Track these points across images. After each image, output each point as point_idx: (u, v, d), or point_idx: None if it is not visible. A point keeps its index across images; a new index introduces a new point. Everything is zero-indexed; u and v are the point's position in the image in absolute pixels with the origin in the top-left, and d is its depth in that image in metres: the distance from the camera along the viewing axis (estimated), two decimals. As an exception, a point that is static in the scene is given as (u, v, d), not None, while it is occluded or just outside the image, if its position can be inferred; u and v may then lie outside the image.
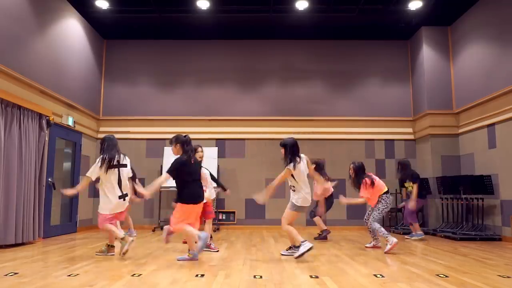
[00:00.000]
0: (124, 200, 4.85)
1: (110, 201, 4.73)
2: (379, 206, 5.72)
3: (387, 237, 5.38)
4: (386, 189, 5.76)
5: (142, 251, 5.30)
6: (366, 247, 5.85)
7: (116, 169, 4.79)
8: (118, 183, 4.78)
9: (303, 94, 9.35)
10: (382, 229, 5.53)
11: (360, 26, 8.88)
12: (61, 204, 7.66)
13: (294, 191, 4.83)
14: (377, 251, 5.52)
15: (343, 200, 5.96)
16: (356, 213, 8.90)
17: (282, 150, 4.85)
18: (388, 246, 5.31)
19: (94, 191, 8.79)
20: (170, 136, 8.87)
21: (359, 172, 5.84)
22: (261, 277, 3.71)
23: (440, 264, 4.46)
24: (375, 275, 3.79)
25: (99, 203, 4.83)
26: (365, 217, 5.99)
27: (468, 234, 6.93)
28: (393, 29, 8.87)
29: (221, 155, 8.87)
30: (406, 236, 7.10)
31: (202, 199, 4.65)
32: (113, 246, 4.95)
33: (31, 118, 6.21)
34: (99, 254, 4.90)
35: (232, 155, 9.03)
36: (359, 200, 5.87)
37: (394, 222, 8.73)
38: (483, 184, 6.95)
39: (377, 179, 5.82)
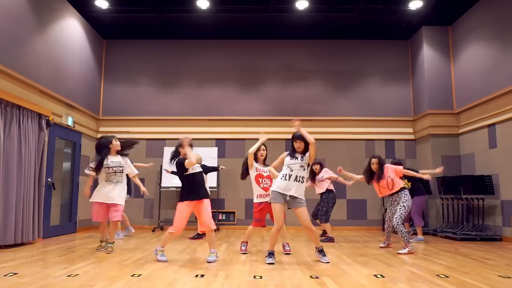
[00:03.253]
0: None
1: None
2: (405, 203, 5.47)
3: (408, 243, 5.25)
4: (404, 185, 5.63)
5: (142, 251, 5.29)
6: (381, 247, 5.78)
7: None
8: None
9: (303, 94, 9.33)
10: (406, 233, 5.35)
11: (360, 26, 8.87)
12: (61, 204, 7.65)
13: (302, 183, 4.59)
14: (379, 251, 5.50)
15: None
16: (357, 213, 8.90)
17: (303, 143, 4.55)
18: (405, 250, 5.22)
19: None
20: (170, 136, 9.03)
21: (383, 164, 5.68)
22: (261, 277, 3.70)
23: (441, 264, 4.45)
24: (376, 276, 3.78)
25: (120, 194, 5.22)
26: (390, 220, 5.70)
27: (468, 234, 6.91)
28: (393, 29, 8.85)
29: (221, 155, 8.86)
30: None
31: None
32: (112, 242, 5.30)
33: (31, 118, 6.20)
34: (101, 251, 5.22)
35: (232, 155, 9.01)
36: (357, 177, 6.03)
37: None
38: (484, 184, 6.94)
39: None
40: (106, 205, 5.19)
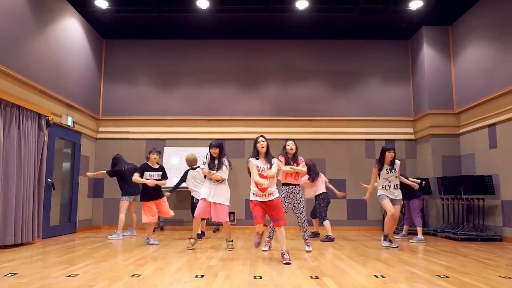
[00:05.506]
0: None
1: None
2: (302, 201, 5.62)
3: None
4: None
5: (142, 251, 5.29)
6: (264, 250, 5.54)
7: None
8: None
9: (303, 94, 9.33)
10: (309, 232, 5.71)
11: (360, 26, 8.87)
12: (61, 204, 7.64)
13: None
14: (379, 251, 5.50)
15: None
16: (357, 214, 8.89)
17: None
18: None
19: (94, 191, 8.78)
20: (170, 136, 9.04)
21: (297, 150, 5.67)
22: (261, 277, 3.69)
23: (441, 264, 4.44)
24: (376, 276, 3.77)
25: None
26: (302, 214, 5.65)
27: (469, 234, 6.91)
28: (393, 28, 8.85)
29: (221, 155, 8.83)
30: (396, 236, 7.15)
31: None
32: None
33: (31, 118, 6.19)
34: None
35: (232, 155, 8.98)
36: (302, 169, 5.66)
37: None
38: (484, 184, 6.94)
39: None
40: (208, 203, 5.52)
